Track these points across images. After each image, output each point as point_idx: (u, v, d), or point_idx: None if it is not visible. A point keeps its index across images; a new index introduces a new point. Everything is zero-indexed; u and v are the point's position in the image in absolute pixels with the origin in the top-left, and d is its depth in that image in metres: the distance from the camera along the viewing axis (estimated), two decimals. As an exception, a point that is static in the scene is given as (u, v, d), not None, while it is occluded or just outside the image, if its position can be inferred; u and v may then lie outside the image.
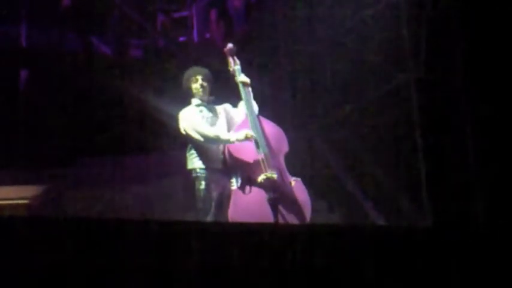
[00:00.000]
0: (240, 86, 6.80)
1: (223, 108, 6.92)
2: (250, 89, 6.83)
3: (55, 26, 11.42)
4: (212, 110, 6.84)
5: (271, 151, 6.62)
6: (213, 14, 12.27)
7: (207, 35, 12.37)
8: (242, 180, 6.58)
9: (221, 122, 6.82)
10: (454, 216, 8.23)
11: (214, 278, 4.41)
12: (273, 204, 6.47)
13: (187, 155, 6.74)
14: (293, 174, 6.73)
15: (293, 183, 6.66)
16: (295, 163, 7.01)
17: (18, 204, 8.64)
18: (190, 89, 6.87)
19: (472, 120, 8.39)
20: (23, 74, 10.91)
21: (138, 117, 10.37)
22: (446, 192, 8.48)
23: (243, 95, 6.77)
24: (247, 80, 6.83)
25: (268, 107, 7.12)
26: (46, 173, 9.79)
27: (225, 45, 7.14)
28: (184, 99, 7.02)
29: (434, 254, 5.04)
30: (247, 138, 6.57)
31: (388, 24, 9.27)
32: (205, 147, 6.66)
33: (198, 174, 6.67)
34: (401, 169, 9.09)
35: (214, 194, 6.64)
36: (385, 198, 9.30)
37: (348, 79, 9.87)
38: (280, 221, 6.40)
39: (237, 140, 6.58)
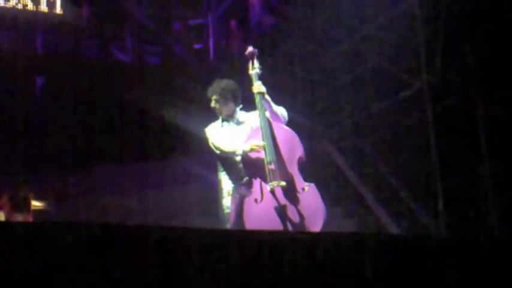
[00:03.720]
0: (255, 94, 6.77)
1: (251, 116, 6.89)
2: (267, 97, 6.77)
3: (73, 33, 11.49)
4: (235, 123, 6.83)
5: (281, 159, 6.57)
6: (233, 22, 12.32)
7: (223, 42, 12.40)
8: (255, 189, 6.56)
9: (245, 131, 6.81)
10: (468, 225, 8.21)
11: (213, 283, 4.41)
12: (281, 212, 6.43)
13: (217, 164, 6.81)
14: (308, 180, 6.67)
15: (306, 188, 6.56)
16: (309, 169, 6.97)
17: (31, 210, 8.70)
18: (212, 107, 6.88)
19: (486, 128, 8.37)
20: (39, 80, 10.98)
21: (155, 124, 10.41)
22: (460, 201, 8.46)
23: (257, 104, 6.74)
24: (262, 89, 6.78)
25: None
26: (60, 179, 9.84)
27: (243, 50, 7.12)
28: (201, 105, 7.02)
29: (447, 264, 5.02)
30: (252, 150, 6.55)
31: (403, 32, 9.27)
32: (228, 160, 6.69)
33: (223, 186, 6.71)
34: (415, 175, 9.08)
35: (236, 205, 6.64)
36: (400, 206, 9.29)
37: (363, 86, 9.87)
38: (290, 229, 6.35)
39: (244, 152, 6.57)
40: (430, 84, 8.85)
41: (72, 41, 11.61)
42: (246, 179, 6.61)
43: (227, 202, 6.64)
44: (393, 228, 9.22)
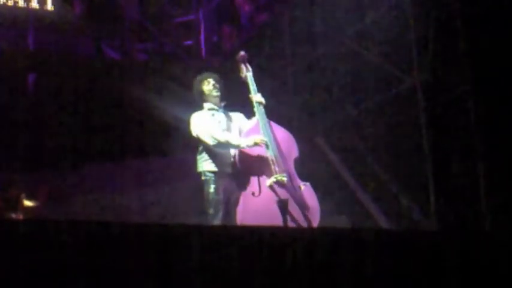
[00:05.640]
0: (255, 103, 6.83)
1: (236, 116, 6.95)
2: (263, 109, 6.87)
3: (64, 30, 11.46)
4: (225, 115, 6.87)
5: (281, 155, 6.66)
6: (224, 20, 12.31)
7: (214, 39, 12.38)
8: (252, 183, 6.59)
9: (234, 127, 6.85)
10: (460, 219, 8.24)
11: (213, 280, 4.43)
12: (282, 206, 6.48)
13: (198, 158, 6.78)
14: (302, 178, 6.74)
15: (302, 187, 6.68)
16: (304, 167, 7.01)
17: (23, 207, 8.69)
18: (202, 91, 6.91)
19: (478, 123, 8.39)
20: (31, 77, 10.94)
21: (146, 120, 10.40)
22: (452, 196, 8.49)
23: (256, 109, 6.81)
24: (262, 100, 6.86)
25: (273, 110, 7.13)
26: (56, 177, 9.82)
27: (234, 50, 7.19)
28: (193, 103, 7.03)
29: (439, 258, 5.05)
30: (256, 144, 6.61)
31: (395, 28, 9.28)
32: (215, 151, 6.69)
33: (207, 178, 6.70)
34: (407, 172, 9.09)
35: (223, 198, 6.66)
36: (393, 203, 9.31)
37: (355, 82, 9.88)
38: (289, 223, 6.41)
39: (247, 146, 6.62)
40: (423, 82, 8.87)
41: (64, 37, 11.58)
42: (231, 170, 6.67)
43: (216, 195, 6.66)
44: (386, 225, 9.24)
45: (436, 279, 4.99)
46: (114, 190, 9.62)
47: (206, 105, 6.90)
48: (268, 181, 6.53)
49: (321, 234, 5.21)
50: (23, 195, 8.78)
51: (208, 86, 6.90)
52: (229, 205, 6.66)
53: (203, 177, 6.73)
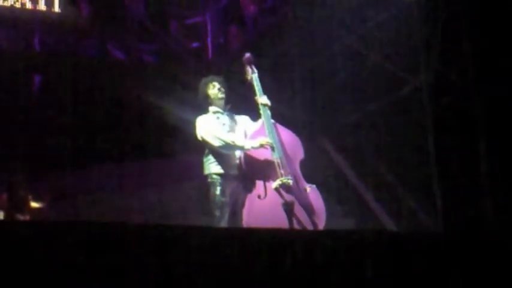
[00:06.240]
0: (260, 105, 6.83)
1: (241, 119, 6.95)
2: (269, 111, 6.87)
3: (71, 32, 11.48)
4: (229, 118, 6.87)
5: (287, 157, 6.65)
6: (231, 21, 12.30)
7: (221, 40, 12.38)
8: (258, 185, 6.58)
9: (239, 130, 6.85)
10: (463, 220, 8.25)
11: (213, 281, 4.44)
12: (288, 209, 6.48)
13: (204, 160, 6.78)
14: (307, 180, 6.74)
15: (308, 189, 6.66)
16: (309, 169, 7.01)
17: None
18: (207, 95, 6.91)
19: (481, 124, 8.40)
20: (37, 78, 10.97)
21: (154, 122, 10.42)
22: (455, 196, 8.49)
23: (261, 111, 6.81)
24: (268, 102, 6.85)
25: (278, 112, 7.13)
26: (58, 178, 9.84)
27: (240, 52, 7.18)
28: (199, 105, 7.04)
29: (440, 258, 5.05)
30: (262, 146, 6.60)
31: (398, 30, 9.28)
32: (222, 153, 6.69)
33: (214, 180, 6.69)
34: (411, 173, 9.10)
35: (229, 200, 6.66)
36: (398, 204, 9.32)
37: (362, 84, 9.89)
38: (295, 226, 6.41)
39: (252, 148, 6.62)
40: (428, 83, 8.87)
41: (70, 39, 11.60)
42: (237, 173, 6.67)
43: (222, 197, 6.66)
44: (392, 227, 9.24)
45: (438, 279, 4.99)
46: (115, 190, 9.64)
47: (211, 108, 6.90)
48: (274, 184, 6.51)
49: (321, 235, 5.22)
50: (29, 196, 8.81)
51: (214, 89, 6.90)
52: (236, 207, 6.65)
53: (209, 180, 6.73)
